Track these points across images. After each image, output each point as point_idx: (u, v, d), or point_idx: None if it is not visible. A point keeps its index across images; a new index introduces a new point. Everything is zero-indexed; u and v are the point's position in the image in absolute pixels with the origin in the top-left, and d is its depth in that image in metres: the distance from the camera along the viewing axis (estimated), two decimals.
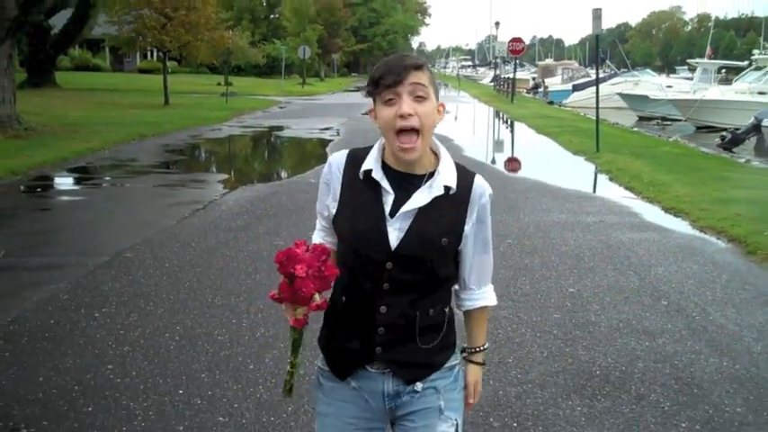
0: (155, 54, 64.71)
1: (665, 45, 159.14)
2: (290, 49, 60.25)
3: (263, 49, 63.52)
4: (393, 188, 2.20)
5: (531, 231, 9.42)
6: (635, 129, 29.38)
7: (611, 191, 13.35)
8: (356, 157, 2.27)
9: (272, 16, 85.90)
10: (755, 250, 8.56)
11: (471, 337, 2.47)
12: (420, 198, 2.17)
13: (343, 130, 23.84)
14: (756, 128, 24.64)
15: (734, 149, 24.02)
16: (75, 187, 13.40)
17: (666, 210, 11.28)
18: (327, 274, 2.06)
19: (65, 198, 12.36)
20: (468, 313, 2.45)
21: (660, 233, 9.69)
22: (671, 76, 70.27)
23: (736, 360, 5.36)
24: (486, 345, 2.49)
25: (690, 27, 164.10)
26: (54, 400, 4.47)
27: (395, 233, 2.17)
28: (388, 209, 2.19)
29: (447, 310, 2.34)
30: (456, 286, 2.40)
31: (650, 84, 44.19)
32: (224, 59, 42.32)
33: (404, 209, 2.17)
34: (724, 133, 26.08)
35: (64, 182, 13.68)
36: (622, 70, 59.13)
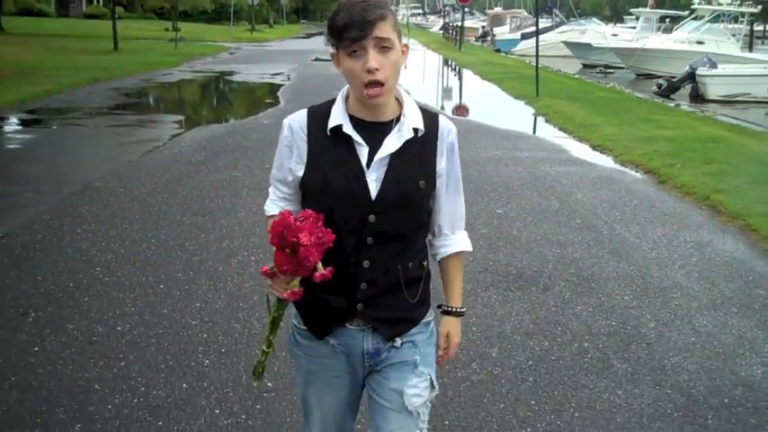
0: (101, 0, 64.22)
1: None
2: None
3: None
4: (364, 139, 2.17)
5: (468, 165, 10.30)
6: (576, 76, 30.42)
7: (546, 131, 14.39)
8: (317, 114, 2.23)
9: None
10: (666, 180, 9.60)
11: (448, 293, 2.48)
12: (391, 143, 2.16)
13: (293, 75, 24.48)
14: (691, 76, 25.74)
15: (671, 96, 25.19)
16: (37, 127, 13.95)
17: (594, 147, 12.30)
18: (326, 240, 2.00)
19: (29, 136, 12.93)
20: (443, 262, 2.45)
21: (584, 167, 10.71)
22: (618, 25, 71.39)
23: (630, 263, 6.36)
24: (464, 309, 2.49)
25: None
26: (53, 293, 5.30)
27: (373, 184, 2.16)
28: (364, 160, 2.16)
29: (425, 263, 2.34)
30: (429, 236, 2.40)
31: (595, 33, 45.27)
32: (172, 5, 42.43)
33: (377, 156, 2.15)
34: (660, 81, 27.27)
35: (25, 121, 14.20)
36: (571, 19, 60.13)
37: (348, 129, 2.15)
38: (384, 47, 2.05)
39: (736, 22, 39.77)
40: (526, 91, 19.98)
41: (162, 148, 11.32)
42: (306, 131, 2.20)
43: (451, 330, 2.44)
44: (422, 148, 2.20)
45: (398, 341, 2.28)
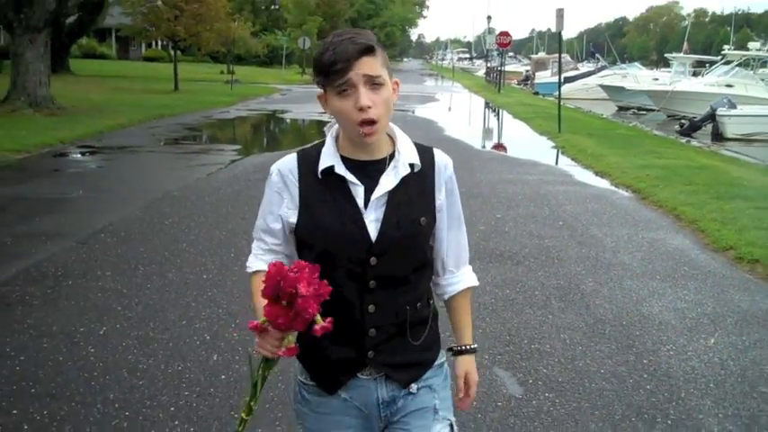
0: (159, 43, 67.44)
1: (662, 39, 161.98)
2: (291, 39, 62.88)
3: (264, 40, 66.21)
4: (359, 179, 2.08)
5: (482, 184, 12.20)
6: (603, 116, 32.07)
7: (558, 160, 16.25)
8: (307, 157, 2.14)
9: (272, 7, 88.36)
10: (647, 197, 11.41)
11: (459, 332, 2.37)
12: (387, 181, 2.08)
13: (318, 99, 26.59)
14: (711, 116, 27.37)
15: (692, 135, 26.83)
16: (118, 153, 16.11)
17: (596, 173, 14.11)
18: (323, 292, 1.87)
19: (111, 160, 15.06)
20: (450, 301, 2.34)
21: (582, 187, 12.56)
22: (662, 69, 72.88)
23: (591, 249, 8.19)
24: (476, 345, 2.38)
25: (687, 22, 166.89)
26: (155, 259, 7.28)
27: (372, 225, 2.07)
28: (360, 201, 2.08)
29: (431, 302, 2.27)
30: (434, 275, 2.30)
31: (633, 77, 46.93)
32: (228, 49, 45.12)
33: (374, 196, 2.07)
34: (683, 121, 28.96)
35: (107, 148, 16.39)
36: (618, 64, 61.85)
37: (341, 169, 2.07)
38: (375, 84, 1.98)
39: (764, 66, 41.18)
40: (551, 128, 21.78)
41: (224, 170, 13.40)
42: (297, 175, 2.12)
43: (469, 369, 2.34)
44: (420, 183, 2.13)
45: (414, 387, 2.19)
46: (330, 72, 1.98)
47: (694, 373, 5.00)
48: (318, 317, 1.88)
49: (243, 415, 2.02)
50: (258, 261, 2.23)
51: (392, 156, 2.12)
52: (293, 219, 2.12)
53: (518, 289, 6.68)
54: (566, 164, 15.68)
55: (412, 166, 2.11)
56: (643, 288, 6.85)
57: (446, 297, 2.34)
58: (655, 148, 17.81)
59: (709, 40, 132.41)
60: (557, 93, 49.41)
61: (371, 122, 1.99)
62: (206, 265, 7.09)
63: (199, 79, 42.33)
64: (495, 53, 63.88)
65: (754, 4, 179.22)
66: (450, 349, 2.36)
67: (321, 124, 23.12)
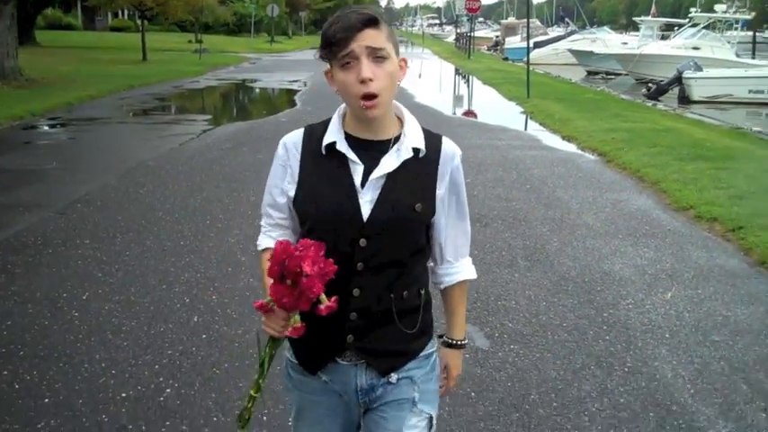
0: (125, 13, 66.77)
1: (631, 3, 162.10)
2: (259, 7, 62.46)
3: (232, 8, 65.68)
4: (360, 158, 2.05)
5: None
6: (573, 80, 32.35)
7: (526, 125, 16.50)
8: (313, 133, 2.13)
9: None
10: (612, 159, 11.70)
11: (450, 324, 2.36)
12: (389, 163, 2.05)
13: (309, 83, 26.62)
14: (678, 79, 27.71)
15: (659, 98, 27.18)
16: (90, 124, 16.09)
17: (563, 137, 14.39)
18: (329, 271, 1.88)
19: (85, 131, 15.03)
20: (446, 292, 2.31)
21: (550, 151, 12.82)
22: (630, 33, 73.19)
23: (556, 211, 8.45)
24: (466, 341, 2.37)
25: None
26: (132, 228, 7.45)
27: (366, 205, 2.04)
28: (358, 180, 2.05)
29: (423, 292, 2.20)
30: (431, 263, 2.27)
31: (608, 41, 47.17)
32: (196, 17, 44.84)
33: (372, 176, 2.04)
34: (650, 84, 29.33)
35: (78, 120, 16.38)
36: (588, 28, 62.06)
37: (342, 146, 2.05)
38: (378, 57, 1.95)
39: (730, 29, 41.61)
40: (520, 93, 22.01)
41: (196, 139, 13.51)
42: (300, 150, 2.12)
43: (451, 363, 2.35)
44: (421, 169, 2.09)
45: (394, 377, 2.16)
46: (333, 43, 1.96)
47: (651, 325, 5.28)
48: (323, 296, 1.88)
49: (252, 392, 2.03)
50: (266, 238, 2.24)
51: (398, 138, 2.08)
52: (292, 193, 2.12)
53: (486, 249, 6.93)
54: (534, 129, 15.95)
55: (416, 150, 2.07)
56: (605, 246, 7.12)
57: (442, 287, 2.30)
58: (621, 112, 18.10)
59: (678, 3, 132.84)
60: (523, 58, 49.90)
61: (373, 96, 1.96)
62: (182, 232, 7.27)
63: (167, 49, 42.07)
64: (464, 19, 63.96)
65: None
66: (439, 336, 2.34)
67: (291, 93, 23.23)
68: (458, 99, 24.63)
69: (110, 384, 4.22)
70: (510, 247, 7.00)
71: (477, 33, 54.60)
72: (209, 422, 3.84)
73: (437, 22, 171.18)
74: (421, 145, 2.08)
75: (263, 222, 2.26)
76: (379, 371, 2.15)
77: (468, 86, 28.65)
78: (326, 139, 2.07)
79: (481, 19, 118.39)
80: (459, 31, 65.99)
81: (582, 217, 8.21)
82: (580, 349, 4.85)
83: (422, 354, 2.21)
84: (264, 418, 3.82)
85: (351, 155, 2.05)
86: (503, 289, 5.93)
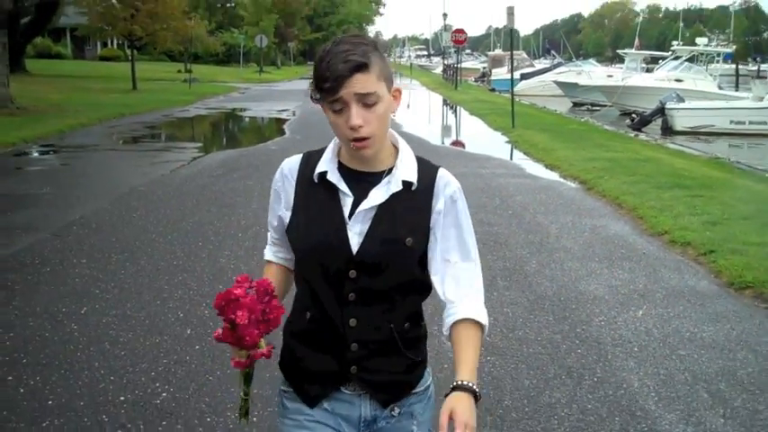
0: (115, 42, 67.20)
1: (616, 36, 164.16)
2: (248, 37, 63.08)
3: (221, 38, 66.24)
4: (351, 189, 2.04)
5: None
6: (558, 112, 32.85)
7: (510, 154, 16.90)
8: (310, 160, 2.12)
9: (227, 5, 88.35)
10: (592, 187, 12.05)
11: (456, 366, 2.06)
12: (376, 195, 2.02)
13: (298, 112, 26.98)
14: (661, 110, 28.25)
15: (642, 129, 27.68)
16: (81, 151, 16.37)
17: (546, 166, 14.74)
18: (272, 318, 1.91)
19: (76, 158, 15.32)
20: (450, 335, 2.11)
21: (532, 179, 13.17)
22: (617, 66, 74.12)
23: (537, 235, 8.77)
24: (472, 385, 1.99)
25: (641, 18, 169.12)
26: (128, 248, 7.72)
27: (355, 237, 2.02)
28: (347, 211, 2.03)
29: (423, 324, 2.20)
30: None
31: (588, 73, 47.83)
32: (185, 47, 45.28)
33: (360, 208, 2.02)
34: (633, 115, 29.85)
35: (70, 147, 16.65)
36: (573, 60, 62.84)
37: (333, 176, 2.04)
38: (368, 102, 1.93)
39: (712, 62, 42.34)
40: (505, 124, 22.40)
41: (187, 166, 13.81)
42: (295, 177, 2.12)
43: (456, 408, 1.93)
44: (414, 202, 2.05)
45: (396, 410, 2.13)
46: (322, 89, 1.94)
47: (621, 340, 5.58)
48: (262, 342, 1.94)
49: (242, 395, 2.12)
50: (268, 251, 2.30)
51: (391, 170, 2.06)
52: (286, 219, 2.12)
53: None
54: (518, 158, 16.33)
55: (407, 183, 2.04)
56: (582, 268, 7.43)
57: (444, 329, 2.13)
58: (604, 142, 18.51)
59: (663, 36, 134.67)
60: (516, 89, 50.56)
61: (363, 139, 1.95)
62: (175, 253, 7.54)
63: (157, 78, 42.45)
64: (452, 50, 64.74)
65: (707, 0, 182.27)
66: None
67: (280, 122, 23.57)
68: (445, 129, 25.09)
69: (109, 389, 4.48)
70: (490, 269, 7.29)
71: (464, 65, 55.37)
72: (202, 422, 4.10)
73: (425, 53, 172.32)
74: (413, 178, 2.05)
75: (269, 235, 2.30)
76: (381, 402, 2.12)
77: (456, 117, 29.09)
78: (319, 168, 2.07)
79: (468, 51, 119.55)
80: (446, 62, 66.73)
81: (561, 241, 8.52)
82: (553, 361, 5.14)
83: (420, 387, 2.18)
84: (254, 419, 4.09)
85: (341, 186, 2.04)
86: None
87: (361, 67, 1.91)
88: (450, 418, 1.91)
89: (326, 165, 2.07)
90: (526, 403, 4.49)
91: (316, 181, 2.07)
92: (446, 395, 1.98)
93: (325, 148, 2.13)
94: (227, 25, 77.13)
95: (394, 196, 2.02)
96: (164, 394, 4.43)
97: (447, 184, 2.11)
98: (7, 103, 22.08)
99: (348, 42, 1.95)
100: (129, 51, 40.51)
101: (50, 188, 11.14)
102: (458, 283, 2.10)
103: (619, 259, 7.83)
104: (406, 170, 2.05)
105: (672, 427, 4.26)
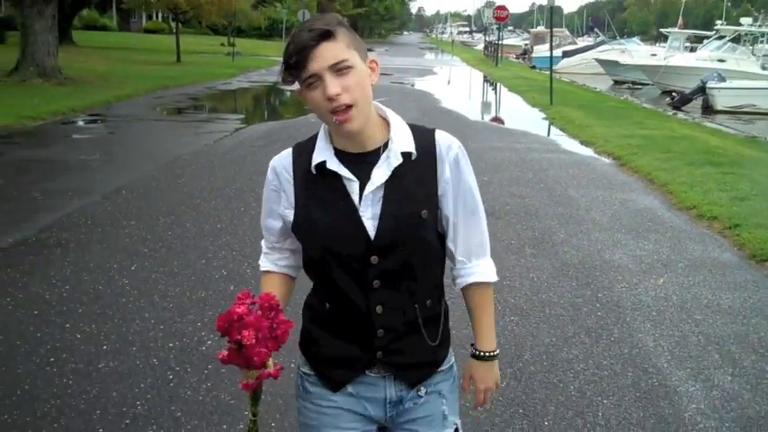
0: (159, 15, 67.92)
1: (662, 14, 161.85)
2: (291, 12, 63.31)
3: (264, 12, 66.62)
4: (354, 173, 1.96)
5: (472, 152, 12.79)
6: (598, 89, 32.77)
7: (547, 130, 17.10)
8: (302, 152, 2.04)
9: None
10: (626, 163, 12.24)
11: (474, 333, 2.19)
12: (379, 175, 1.95)
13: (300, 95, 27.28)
14: (702, 89, 28.15)
15: (683, 108, 27.62)
16: (127, 120, 16.86)
17: (582, 142, 14.93)
18: (280, 333, 1.83)
19: (124, 126, 15.77)
20: (464, 295, 2.17)
21: (567, 154, 13.39)
22: (661, 44, 73.29)
23: (566, 207, 9.02)
24: (495, 351, 2.18)
25: None
26: (175, 210, 8.12)
27: (370, 222, 1.95)
28: (355, 197, 1.96)
29: (443, 300, 2.15)
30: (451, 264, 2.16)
31: (634, 52, 47.47)
32: (229, 21, 45.75)
33: (366, 191, 1.95)
34: (674, 93, 29.76)
35: (116, 116, 17.13)
36: (617, 38, 62.31)
37: (333, 164, 1.96)
38: (341, 69, 1.87)
39: (755, 42, 41.84)
40: (543, 100, 22.53)
41: (230, 137, 14.22)
42: (291, 172, 2.04)
43: (476, 375, 2.18)
44: (418, 172, 1.99)
45: (423, 390, 2.10)
46: (291, 67, 1.89)
47: (641, 304, 5.85)
48: (270, 361, 1.88)
49: (250, 417, 2.01)
50: (265, 260, 2.22)
51: (386, 145, 1.98)
52: (290, 217, 2.04)
53: (497, 239, 7.51)
54: (554, 134, 16.52)
55: (406, 154, 1.97)
56: (608, 239, 7.69)
57: (457, 288, 2.17)
58: (641, 120, 18.61)
59: (710, 14, 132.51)
60: (557, 66, 50.27)
61: (347, 107, 1.87)
62: (219, 217, 7.93)
63: (200, 51, 42.92)
64: (493, 27, 64.51)
65: None
66: (471, 345, 2.21)
67: None
68: (483, 105, 25.21)
69: (158, 336, 4.87)
70: (519, 237, 7.59)
71: (506, 42, 55.17)
72: None
73: (467, 29, 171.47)
74: (411, 147, 1.98)
75: (262, 243, 2.22)
76: (407, 383, 2.08)
77: (496, 93, 29.21)
78: (316, 159, 1.98)
79: (511, 27, 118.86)
80: (487, 39, 66.52)
81: (590, 213, 8.77)
82: (573, 322, 5.44)
83: (445, 365, 2.15)
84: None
85: (344, 172, 1.96)
86: (509, 272, 6.51)
87: (326, 34, 1.86)
88: (470, 386, 2.19)
89: (323, 154, 1.98)
90: (545, 359, 4.80)
91: (314, 172, 1.99)
92: (471, 357, 2.19)
93: (314, 137, 2.05)
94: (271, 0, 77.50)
95: (396, 171, 1.96)
96: (209, 342, 4.80)
97: (449, 147, 2.03)
98: (56, 73, 22.61)
99: (312, 19, 1.94)
100: (173, 24, 41.06)
101: (99, 155, 11.59)
102: (467, 241, 2.09)
103: (645, 231, 8.07)
104: (402, 141, 1.99)
105: (681, 383, 4.54)
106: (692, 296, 6.10)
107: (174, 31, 38.08)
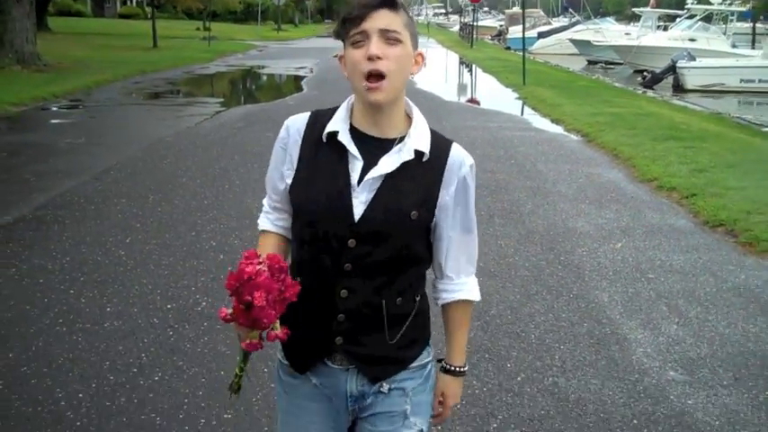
0: (134, 0, 67.79)
1: None
2: None
3: None
4: (362, 153, 1.95)
5: (446, 130, 13.19)
6: (571, 69, 33.29)
7: (519, 110, 17.61)
8: (319, 119, 2.02)
9: None
10: (593, 139, 12.77)
11: (447, 348, 2.19)
12: (387, 163, 1.95)
13: (315, 69, 27.67)
14: (672, 68, 28.75)
15: (654, 87, 28.21)
16: (109, 105, 17.14)
17: (552, 120, 15.44)
18: (288, 295, 1.82)
19: (105, 110, 16.06)
20: (444, 310, 2.16)
21: (537, 132, 13.89)
22: (635, 24, 73.90)
23: (534, 180, 9.52)
24: (465, 367, 2.21)
25: None
26: (158, 188, 8.53)
27: (360, 206, 1.95)
28: (355, 177, 1.95)
29: (418, 298, 2.10)
30: (434, 275, 2.15)
31: (607, 32, 48.03)
32: (205, 6, 45.93)
33: (369, 175, 1.94)
34: (645, 73, 30.38)
35: (97, 101, 17.43)
36: (592, 19, 62.87)
37: (344, 137, 1.97)
38: (391, 38, 1.89)
39: (725, 21, 42.55)
40: (517, 81, 22.98)
41: (210, 120, 14.61)
42: (302, 135, 2.04)
43: (447, 391, 2.20)
44: (424, 175, 1.98)
45: (385, 386, 2.08)
46: (346, 20, 1.92)
47: (599, 266, 6.37)
48: (277, 323, 1.86)
49: (236, 371, 2.04)
50: (265, 220, 2.20)
51: (403, 138, 1.98)
52: (290, 180, 2.04)
53: None
54: (526, 113, 17.05)
55: (419, 153, 1.96)
56: (572, 209, 8.19)
57: (439, 303, 2.16)
58: (610, 99, 19.14)
59: None
60: (532, 48, 50.77)
61: (379, 76, 1.88)
62: (205, 194, 8.36)
63: (175, 36, 42.98)
64: (469, 8, 64.89)
65: None
66: (439, 360, 2.22)
67: (298, 79, 24.26)
68: (458, 86, 25.66)
69: (157, 299, 5.33)
70: (489, 209, 8.06)
71: (481, 23, 55.60)
72: None
73: (443, 11, 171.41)
74: (425, 148, 1.97)
75: (264, 201, 2.21)
76: (368, 377, 2.07)
77: (471, 74, 29.66)
78: (329, 127, 1.99)
79: (486, 9, 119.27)
80: (463, 20, 66.90)
81: (557, 186, 9.27)
82: (536, 281, 5.94)
83: (415, 363, 2.11)
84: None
85: (351, 148, 1.97)
86: (478, 240, 6.97)
87: (391, 2, 1.91)
88: (440, 402, 2.20)
89: (338, 124, 1.99)
90: (509, 313, 5.30)
91: (324, 140, 1.99)
92: (440, 369, 2.20)
93: (336, 108, 2.05)
94: None
95: (404, 166, 1.96)
96: (203, 303, 5.26)
97: (461, 163, 2.04)
98: (35, 59, 22.82)
99: None
100: (148, 9, 41.15)
101: (84, 138, 11.96)
102: (457, 258, 2.10)
103: (608, 202, 8.58)
104: (418, 139, 1.98)
105: (631, 331, 5.06)
106: (647, 258, 6.62)
107: (150, 16, 38.20)
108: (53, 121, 14.63)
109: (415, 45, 1.98)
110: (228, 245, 6.57)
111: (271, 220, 2.18)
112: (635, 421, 3.94)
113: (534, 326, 5.09)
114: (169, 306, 5.22)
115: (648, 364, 4.59)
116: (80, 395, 4.00)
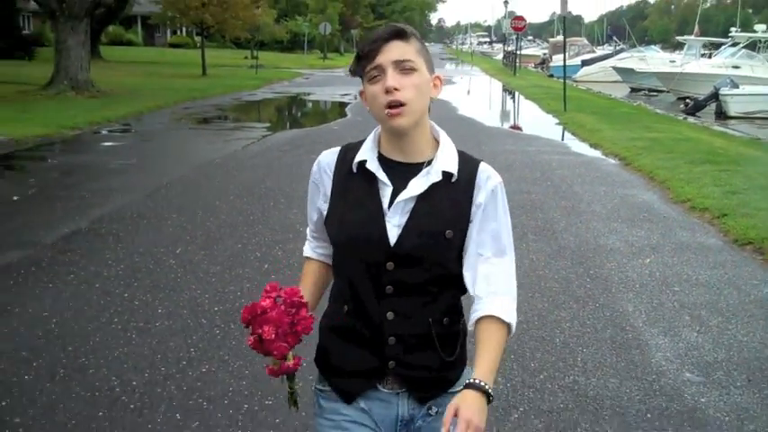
0: (183, 30, 69.21)
1: (683, 21, 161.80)
2: (312, 25, 64.45)
3: (287, 26, 67.82)
4: (391, 179, 2.01)
5: (486, 155, 13.71)
6: (612, 96, 33.42)
7: (559, 135, 17.86)
8: (348, 152, 2.11)
9: None
10: (630, 163, 12.98)
11: (474, 363, 1.97)
12: (416, 185, 1.99)
13: (359, 96, 28.14)
14: (715, 96, 28.78)
15: (697, 114, 28.26)
16: (159, 129, 17.76)
17: (591, 145, 15.66)
18: (300, 329, 1.91)
19: (157, 134, 16.67)
20: (474, 328, 2.03)
21: (575, 156, 14.15)
22: (679, 52, 73.69)
23: (569, 201, 9.78)
24: (486, 385, 1.91)
25: (708, 4, 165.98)
26: (207, 207, 8.95)
27: (394, 229, 1.99)
28: (386, 202, 2.01)
29: (462, 320, 2.13)
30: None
31: (650, 59, 48.07)
32: (252, 35, 46.86)
33: (399, 198, 1.99)
34: (688, 100, 30.42)
35: (149, 126, 18.05)
36: (636, 47, 62.92)
37: (372, 165, 2.03)
38: (405, 69, 1.95)
39: None
40: (558, 107, 23.25)
41: (257, 143, 15.09)
42: (333, 170, 2.11)
43: (462, 404, 1.88)
44: (455, 195, 2.01)
45: (434, 408, 2.08)
46: (361, 57, 1.98)
47: (626, 279, 6.62)
48: (290, 354, 1.92)
49: (287, 390, 2.13)
50: (307, 247, 2.30)
51: (431, 161, 2.03)
52: (324, 212, 2.11)
53: None
54: (566, 138, 17.31)
55: (447, 174, 2.00)
56: (605, 227, 8.44)
57: (469, 324, 2.07)
58: (650, 124, 19.31)
59: (730, 22, 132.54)
60: (576, 75, 50.89)
61: (399, 104, 1.94)
62: (251, 211, 8.76)
63: (224, 64, 43.97)
64: (513, 37, 65.32)
65: None
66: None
67: (342, 105, 24.77)
68: (497, 111, 25.97)
69: (205, 302, 5.71)
70: (523, 226, 8.33)
71: (525, 51, 55.94)
72: None
73: (487, 40, 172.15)
74: (452, 168, 2.02)
75: (307, 230, 2.31)
76: (418, 399, 2.08)
77: (514, 101, 29.97)
78: (358, 157, 2.05)
79: (530, 37, 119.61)
80: (506, 49, 67.30)
81: (591, 206, 9.52)
82: (564, 292, 6.21)
83: (458, 386, 2.05)
84: None
85: (380, 174, 2.02)
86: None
87: (400, 33, 1.98)
88: (455, 415, 1.87)
89: (366, 154, 2.06)
90: (536, 320, 5.58)
91: (354, 171, 2.06)
92: (463, 388, 1.94)
93: (364, 139, 2.12)
94: (291, 12, 78.63)
95: (433, 187, 2.00)
96: None
97: (489, 177, 2.07)
98: (88, 86, 23.65)
99: (391, 23, 2.07)
100: (197, 39, 42.08)
101: (136, 160, 12.48)
102: (488, 280, 2.04)
103: (640, 221, 8.81)
104: (446, 161, 2.02)
105: (652, 337, 5.31)
106: (674, 273, 6.85)
107: (199, 45, 39.14)
108: (106, 143, 15.23)
109: (431, 69, 2.06)
110: (272, 255, 6.95)
111: (311, 248, 2.29)
112: (648, 415, 4.20)
113: (560, 331, 5.37)
114: (216, 309, 5.58)
115: (666, 366, 4.84)
116: (134, 383, 4.38)
